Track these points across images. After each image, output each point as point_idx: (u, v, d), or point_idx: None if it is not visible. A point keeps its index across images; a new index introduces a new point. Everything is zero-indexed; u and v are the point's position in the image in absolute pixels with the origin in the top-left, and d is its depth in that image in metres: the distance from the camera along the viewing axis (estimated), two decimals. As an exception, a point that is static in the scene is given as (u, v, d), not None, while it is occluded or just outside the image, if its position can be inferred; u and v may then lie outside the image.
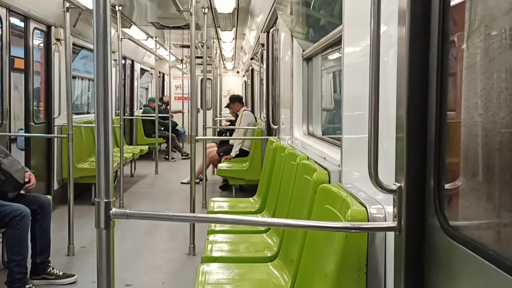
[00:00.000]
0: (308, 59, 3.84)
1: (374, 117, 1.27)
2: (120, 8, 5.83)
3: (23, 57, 5.38)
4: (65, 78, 4.95)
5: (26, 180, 3.44)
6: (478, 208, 1.11)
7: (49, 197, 3.71)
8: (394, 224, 1.26)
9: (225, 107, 8.34)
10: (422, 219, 1.24)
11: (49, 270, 3.51)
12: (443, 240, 1.14)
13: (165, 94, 13.33)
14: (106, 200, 1.35)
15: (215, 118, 8.93)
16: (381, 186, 1.26)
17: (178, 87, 14.65)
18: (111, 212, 1.35)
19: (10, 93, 4.59)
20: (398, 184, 1.27)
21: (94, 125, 5.70)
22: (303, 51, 3.82)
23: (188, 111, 4.77)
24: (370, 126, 1.27)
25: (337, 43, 2.80)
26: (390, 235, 1.42)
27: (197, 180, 6.97)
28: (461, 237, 1.08)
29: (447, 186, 1.21)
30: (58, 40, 5.51)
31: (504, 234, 1.00)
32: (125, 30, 7.44)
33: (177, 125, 11.40)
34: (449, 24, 1.21)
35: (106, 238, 1.36)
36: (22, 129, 5.54)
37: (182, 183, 7.40)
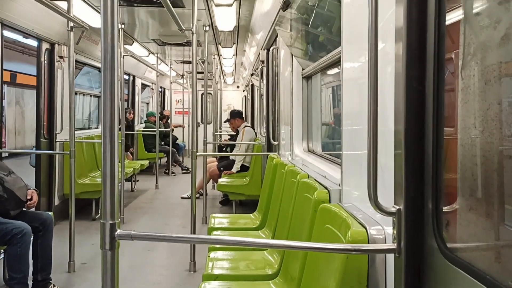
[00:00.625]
0: (307, 77, 3.89)
1: (373, 137, 1.30)
2: (123, 26, 5.93)
3: (27, 73, 5.50)
4: (68, 95, 5.01)
5: (28, 197, 3.47)
6: (475, 231, 1.13)
7: (51, 213, 3.73)
8: (394, 246, 1.29)
9: (224, 122, 8.40)
10: (421, 241, 1.27)
11: (50, 287, 3.51)
12: (441, 263, 1.17)
13: (166, 108, 13.39)
14: (111, 222, 1.38)
15: (215, 133, 8.98)
16: (381, 209, 1.29)
17: (178, 101, 14.73)
18: (116, 233, 1.38)
19: (2, 108, 4.64)
20: (397, 207, 1.30)
21: (95, 141, 5.72)
22: (303, 69, 3.88)
23: (189, 126, 4.82)
24: (369, 148, 1.31)
25: (336, 63, 2.85)
26: (390, 256, 1.45)
27: (197, 195, 7.01)
28: (458, 260, 1.11)
29: (444, 208, 1.24)
30: (61, 57, 5.58)
31: (500, 258, 1.03)
32: (127, 47, 7.53)
33: (177, 139, 11.46)
34: (444, 44, 1.25)
35: (111, 259, 1.38)
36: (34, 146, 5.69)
37: (182, 198, 7.41)
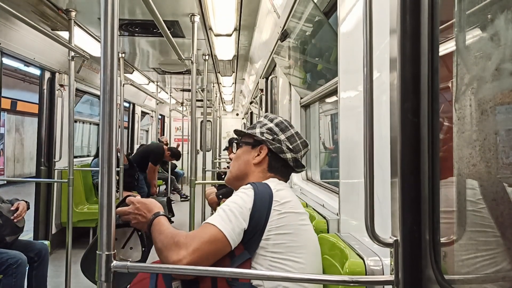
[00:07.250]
0: (305, 106, 3.92)
1: (369, 167, 1.30)
2: (123, 55, 6.01)
3: (27, 100, 5.54)
4: (67, 123, 5.04)
5: (13, 208, 3.43)
6: (473, 262, 1.13)
7: (47, 243, 3.69)
8: (392, 277, 1.27)
9: (224, 150, 8.40)
10: (419, 273, 1.26)
11: (44, 318, 3.45)
12: (439, 295, 1.15)
13: (164, 135, 13.42)
14: (107, 253, 1.37)
15: (215, 160, 8.96)
16: (378, 240, 1.28)
17: (178, 129, 14.79)
18: (112, 265, 1.36)
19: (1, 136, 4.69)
20: (395, 238, 1.29)
21: (94, 168, 5.64)
22: (301, 98, 3.92)
23: (188, 153, 4.81)
24: (365, 177, 1.30)
25: (333, 92, 2.88)
26: (388, 287, 1.43)
27: None
28: (456, 292, 1.09)
29: (442, 239, 1.23)
30: (61, 85, 5.63)
31: (498, 290, 1.02)
32: (127, 75, 7.61)
33: (176, 166, 11.43)
34: (438, 76, 1.26)
35: (107, 291, 1.36)
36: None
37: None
